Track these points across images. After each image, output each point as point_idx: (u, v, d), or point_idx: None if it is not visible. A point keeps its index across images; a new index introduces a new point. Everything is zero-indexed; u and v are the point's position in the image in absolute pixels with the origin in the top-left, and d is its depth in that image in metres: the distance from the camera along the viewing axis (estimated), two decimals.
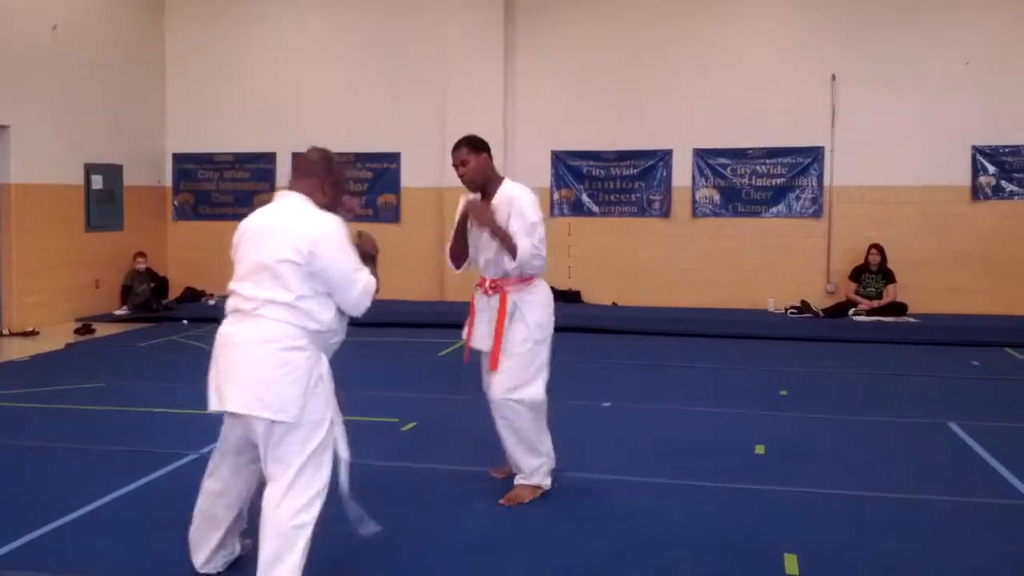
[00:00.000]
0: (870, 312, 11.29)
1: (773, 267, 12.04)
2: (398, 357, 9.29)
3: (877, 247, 11.52)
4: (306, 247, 3.40)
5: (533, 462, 4.69)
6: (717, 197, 12.33)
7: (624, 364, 8.78)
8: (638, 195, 12.58)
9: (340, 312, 3.59)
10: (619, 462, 5.45)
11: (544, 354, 4.73)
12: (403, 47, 12.84)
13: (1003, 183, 11.57)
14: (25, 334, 10.34)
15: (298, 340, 3.43)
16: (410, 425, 6.32)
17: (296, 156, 3.89)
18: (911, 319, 11.13)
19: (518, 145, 12.68)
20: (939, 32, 11.61)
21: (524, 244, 4.57)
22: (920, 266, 11.61)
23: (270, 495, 3.39)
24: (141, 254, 12.26)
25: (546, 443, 4.76)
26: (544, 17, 12.63)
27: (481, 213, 4.66)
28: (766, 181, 12.17)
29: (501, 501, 4.68)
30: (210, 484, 3.70)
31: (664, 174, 12.48)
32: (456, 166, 4.73)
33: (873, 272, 11.54)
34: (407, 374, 8.34)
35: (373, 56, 12.96)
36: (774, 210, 12.17)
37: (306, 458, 3.41)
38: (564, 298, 12.38)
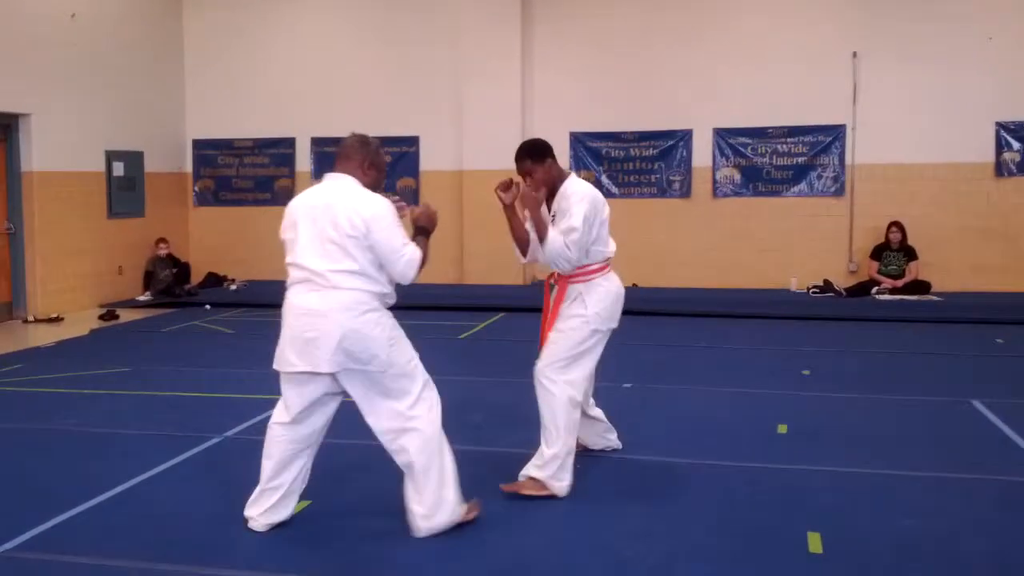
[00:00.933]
0: (893, 291, 11.21)
1: (795, 246, 11.97)
2: (418, 340, 9.21)
3: (897, 224, 11.42)
4: (362, 223, 3.86)
5: (547, 452, 4.58)
6: (738, 177, 12.25)
7: (645, 345, 8.76)
8: (658, 176, 12.52)
9: None
10: (641, 442, 5.44)
11: (592, 343, 4.61)
12: (420, 30, 12.82)
13: None
14: (50, 320, 10.45)
15: (370, 303, 3.95)
16: None
17: (339, 142, 4.18)
18: (934, 297, 11.05)
19: (536, 127, 12.61)
20: (960, 7, 11.46)
21: (552, 237, 4.55)
22: (943, 244, 11.51)
23: (389, 432, 4.04)
24: (163, 240, 12.34)
25: (565, 440, 4.54)
26: None
27: (528, 199, 4.65)
28: (787, 160, 12.08)
29: (503, 487, 4.59)
30: (285, 433, 4.12)
31: (684, 154, 12.42)
32: (522, 176, 4.71)
33: (894, 250, 11.45)
34: (426, 357, 8.29)
35: (391, 40, 12.94)
36: (795, 189, 12.09)
37: (415, 397, 4.10)
38: None
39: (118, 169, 12.16)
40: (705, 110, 12.24)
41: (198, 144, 13.63)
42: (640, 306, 10.77)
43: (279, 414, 4.15)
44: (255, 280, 12.89)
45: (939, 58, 11.48)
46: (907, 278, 11.32)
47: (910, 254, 11.42)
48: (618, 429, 5.28)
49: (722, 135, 12.30)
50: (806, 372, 7.48)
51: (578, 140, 12.66)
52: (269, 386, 6.86)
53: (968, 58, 11.42)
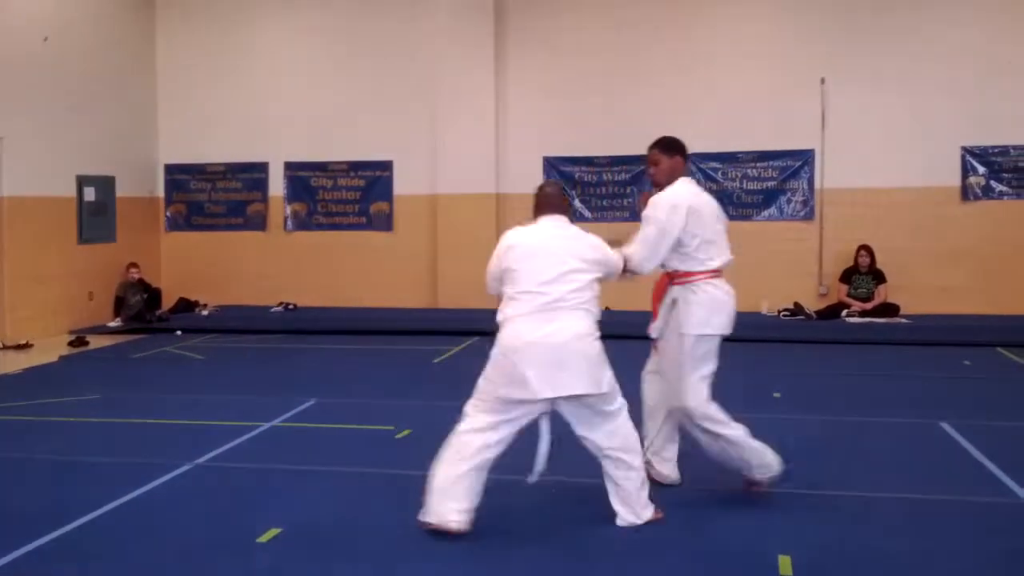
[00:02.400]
0: (862, 314, 11.33)
1: (765, 270, 12.05)
2: (393, 365, 9.30)
3: (866, 248, 11.56)
4: (590, 255, 4.43)
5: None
6: None
7: (617, 369, 8.77)
8: (630, 200, 12.60)
9: None
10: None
11: (699, 352, 4.70)
12: (394, 55, 12.87)
13: (992, 183, 11.62)
14: (19, 347, 10.33)
15: (594, 330, 4.39)
16: (404, 432, 6.33)
17: (538, 190, 4.73)
18: (903, 320, 11.17)
19: (510, 151, 12.71)
20: (926, 33, 11.66)
21: (631, 247, 4.73)
22: (912, 267, 11.65)
23: (604, 443, 4.44)
24: (134, 264, 12.26)
25: (725, 429, 4.71)
26: (534, 23, 12.66)
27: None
28: (757, 184, 12.21)
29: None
30: (479, 443, 4.36)
31: None
32: (648, 164, 4.94)
33: (863, 273, 11.58)
34: (401, 382, 8.36)
35: (364, 65, 12.98)
36: (765, 213, 12.21)
37: (619, 407, 4.47)
38: None
39: (89, 194, 12.09)
40: (677, 134, 12.26)
41: (170, 169, 13.57)
42: (613, 330, 10.81)
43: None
44: (227, 305, 12.83)
45: (905, 84, 11.66)
46: (876, 301, 11.45)
47: (879, 277, 11.56)
48: (582, 453, 5.27)
49: (693, 160, 12.38)
50: (777, 395, 7.53)
51: (551, 164, 12.73)
52: (240, 412, 6.88)
53: (934, 84, 11.60)
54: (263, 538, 4.33)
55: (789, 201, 12.14)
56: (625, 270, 4.71)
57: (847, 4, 11.90)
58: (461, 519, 4.26)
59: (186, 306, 12.75)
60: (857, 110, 11.76)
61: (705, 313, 4.70)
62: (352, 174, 13.18)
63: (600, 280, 4.49)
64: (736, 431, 4.71)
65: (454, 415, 6.83)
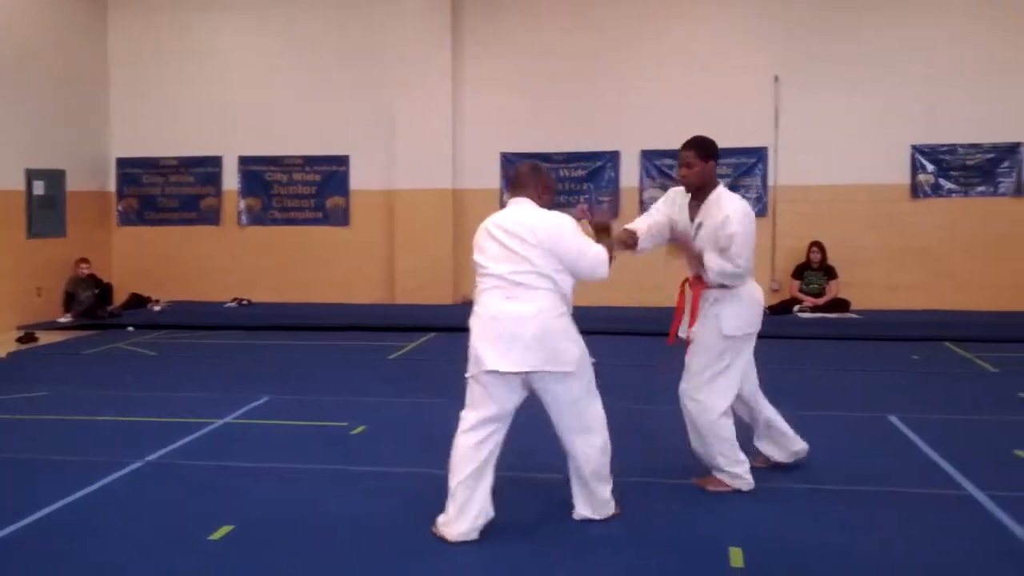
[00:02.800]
0: (814, 309, 11.49)
1: None
2: (348, 361, 9.25)
3: (818, 245, 11.74)
4: (546, 236, 4.25)
5: (713, 463, 4.86)
6: None
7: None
8: (587, 196, 12.65)
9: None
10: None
11: (731, 358, 4.82)
12: (350, 49, 12.80)
13: (941, 181, 11.85)
14: None
15: (557, 308, 4.28)
16: (359, 429, 6.31)
17: (513, 170, 4.64)
18: (854, 315, 11.35)
19: (467, 147, 12.70)
20: (877, 33, 11.85)
21: (714, 261, 4.73)
22: (863, 263, 11.84)
23: (569, 432, 4.36)
24: (84, 260, 12.05)
25: (728, 452, 4.82)
26: (492, 19, 12.66)
27: (686, 246, 4.91)
28: None
29: (695, 480, 4.94)
30: (469, 439, 4.29)
31: (612, 175, 12.59)
32: (680, 165, 4.94)
33: (815, 269, 11.75)
34: (357, 378, 8.32)
35: (320, 58, 12.89)
36: None
37: (587, 393, 4.36)
38: None
39: (39, 188, 11.86)
40: (632, 132, 12.43)
41: (122, 163, 13.36)
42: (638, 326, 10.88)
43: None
44: (180, 301, 12.67)
45: (857, 83, 11.84)
46: (827, 296, 11.62)
47: (830, 273, 11.73)
48: (533, 448, 5.30)
49: (649, 157, 12.50)
50: None
51: (509, 160, 12.73)
52: (192, 409, 6.81)
53: (884, 84, 11.80)
54: (215, 535, 4.29)
55: (743, 198, 12.20)
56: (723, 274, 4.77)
57: (801, 4, 12.06)
58: (459, 529, 4.24)
59: (138, 302, 12.56)
60: (809, 108, 11.92)
61: (746, 313, 4.85)
62: (308, 169, 13.09)
63: (568, 265, 4.30)
64: (726, 448, 4.87)
65: (409, 411, 6.87)
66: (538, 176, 4.53)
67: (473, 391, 4.34)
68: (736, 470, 4.86)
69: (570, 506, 4.51)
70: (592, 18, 12.44)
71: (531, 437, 4.87)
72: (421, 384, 7.91)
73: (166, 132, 13.18)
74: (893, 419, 6.51)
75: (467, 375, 4.34)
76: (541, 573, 3.97)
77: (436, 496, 4.51)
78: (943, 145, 11.82)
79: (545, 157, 12.65)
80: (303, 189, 13.11)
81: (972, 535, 4.35)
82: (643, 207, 12.46)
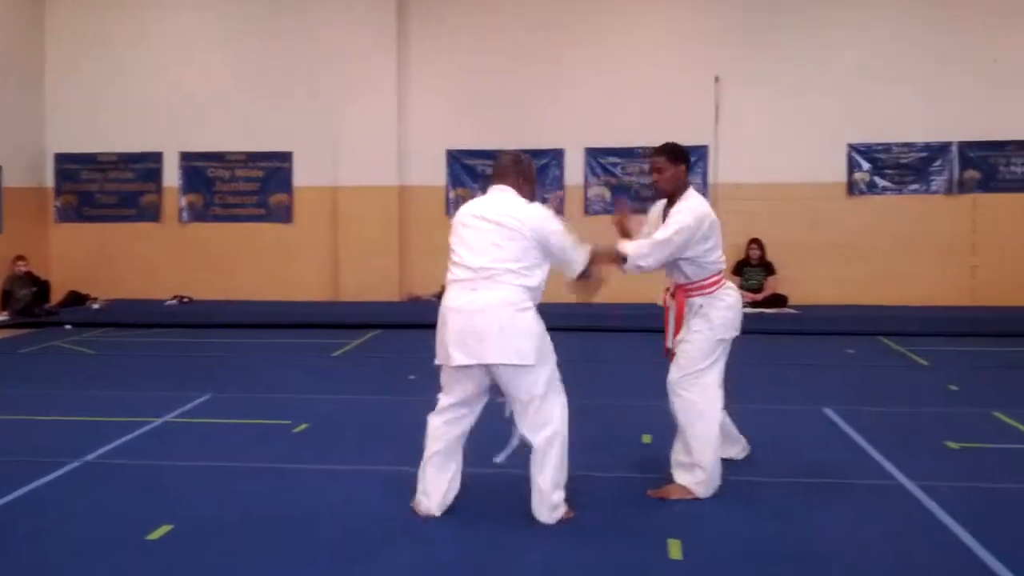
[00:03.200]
0: (752, 304, 11.68)
1: None
2: (291, 358, 9.20)
3: (756, 241, 11.96)
4: (534, 227, 4.30)
5: (695, 459, 4.76)
6: (608, 195, 12.57)
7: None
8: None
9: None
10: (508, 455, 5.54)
11: (718, 353, 4.89)
12: (294, 45, 12.69)
13: (876, 179, 12.15)
14: None
15: (523, 301, 4.29)
16: (302, 427, 6.28)
17: (494, 159, 4.70)
18: (791, 310, 11.58)
19: (412, 144, 12.68)
20: (815, 35, 12.10)
21: (634, 243, 4.78)
22: (801, 259, 12.07)
23: (528, 428, 4.37)
24: (21, 257, 11.81)
25: (707, 454, 4.74)
26: (438, 17, 12.65)
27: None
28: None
29: (650, 493, 4.82)
30: (440, 418, 4.47)
31: (557, 173, 12.66)
32: (653, 170, 4.99)
33: (754, 265, 11.97)
34: (300, 375, 8.28)
35: (262, 53, 12.77)
36: None
37: (548, 388, 4.37)
38: None
39: None
40: (576, 130, 12.52)
41: (60, 158, 13.10)
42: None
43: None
44: (119, 299, 12.46)
45: (796, 83, 12.08)
46: (765, 292, 11.84)
47: (768, 269, 11.96)
48: (488, 444, 5.33)
49: (593, 154, 12.61)
50: None
51: (454, 157, 12.75)
52: (131, 408, 6.72)
53: (821, 84, 12.06)
54: (153, 535, 4.26)
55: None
56: (623, 261, 4.79)
57: (741, 4, 12.25)
58: (428, 503, 4.44)
59: (76, 299, 12.33)
60: (749, 108, 12.12)
61: (733, 316, 4.94)
62: (250, 165, 12.96)
63: (546, 255, 4.36)
64: (716, 448, 4.84)
65: (352, 408, 6.86)
66: (520, 167, 4.55)
67: (443, 376, 4.47)
68: (715, 475, 4.80)
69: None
70: (537, 17, 12.51)
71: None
72: (364, 381, 7.90)
73: (105, 127, 12.96)
74: (828, 411, 6.66)
75: (435, 362, 4.43)
76: (468, 567, 4.01)
77: (380, 492, 4.54)
78: (878, 144, 12.11)
79: (491, 154, 12.69)
80: (246, 186, 12.98)
81: (901, 524, 4.48)
82: (588, 205, 12.59)
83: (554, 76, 12.50)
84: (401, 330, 10.50)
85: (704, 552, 4.11)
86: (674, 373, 4.94)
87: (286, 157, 12.90)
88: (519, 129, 12.54)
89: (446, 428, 4.45)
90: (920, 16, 12.04)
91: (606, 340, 10.15)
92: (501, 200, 4.42)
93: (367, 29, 12.43)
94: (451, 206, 12.67)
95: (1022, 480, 5.13)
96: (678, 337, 4.98)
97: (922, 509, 4.65)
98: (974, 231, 12.00)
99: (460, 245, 4.39)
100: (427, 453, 4.45)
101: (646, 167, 12.46)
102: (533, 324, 4.32)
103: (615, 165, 12.56)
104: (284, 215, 12.94)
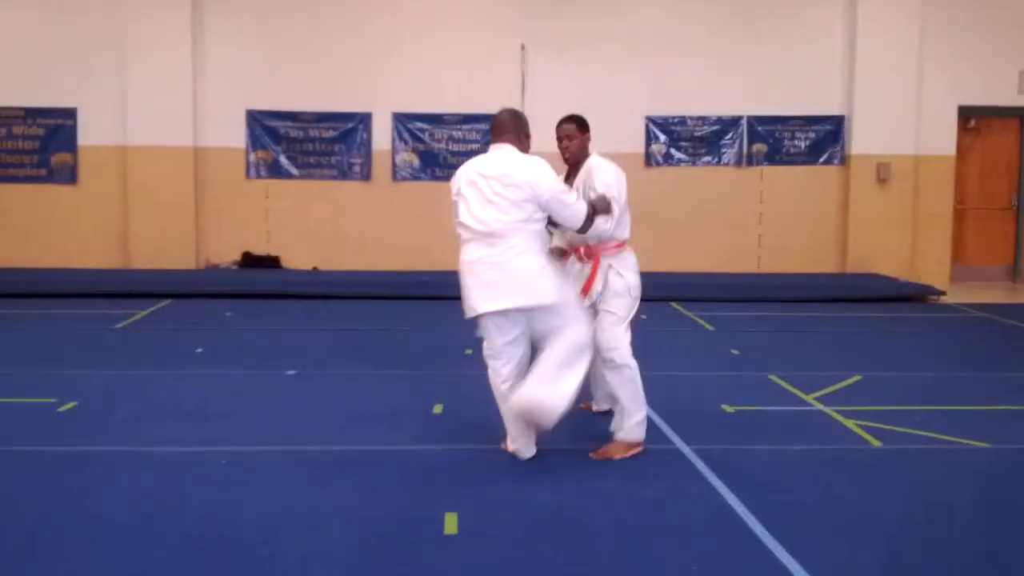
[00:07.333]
0: None
1: None
2: (68, 331, 8.59)
3: None
4: (526, 181, 4.65)
5: (633, 417, 5.03)
6: (416, 161, 12.44)
7: (319, 329, 8.70)
8: (338, 158, 12.43)
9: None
10: (302, 431, 5.39)
11: (634, 310, 5.12)
12: None
13: (672, 151, 12.58)
14: None
15: (533, 248, 4.70)
16: (69, 405, 5.87)
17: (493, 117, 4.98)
18: None
19: (210, 102, 12.09)
20: (616, 6, 12.31)
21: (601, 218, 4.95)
22: None
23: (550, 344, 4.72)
24: None
25: (642, 401, 5.07)
26: None
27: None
28: (462, 147, 12.42)
29: (592, 454, 5.00)
30: (497, 365, 4.88)
31: (364, 137, 12.41)
32: (560, 139, 5.25)
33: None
34: (75, 349, 7.75)
35: (44, 2, 11.81)
36: None
37: (573, 320, 4.73)
38: (261, 264, 12.02)
39: None
40: (384, 94, 12.29)
41: None
42: (319, 290, 10.72)
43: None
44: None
45: (597, 55, 12.27)
46: None
47: None
48: (275, 418, 5.18)
49: (401, 120, 12.43)
50: (469, 351, 7.71)
51: (255, 118, 12.25)
52: (18, 388, 6.10)
53: (621, 56, 12.30)
54: None
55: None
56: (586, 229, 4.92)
57: None
58: (519, 449, 4.88)
59: None
60: (553, 77, 12.20)
61: (635, 276, 5.17)
62: (29, 121, 12.01)
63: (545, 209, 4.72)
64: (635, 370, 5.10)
65: (126, 384, 6.46)
66: (519, 122, 4.91)
67: (481, 328, 4.83)
68: (642, 416, 5.08)
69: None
70: None
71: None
72: (145, 355, 7.49)
73: None
74: None
75: (466, 317, 4.80)
76: (239, 544, 3.86)
77: (148, 474, 4.29)
78: (674, 117, 12.52)
79: (294, 116, 12.30)
80: (24, 144, 12.03)
81: (672, 487, 4.62)
82: (395, 170, 12.43)
83: (361, 38, 12.19)
84: (195, 299, 10.04)
85: (482, 524, 4.06)
86: (605, 341, 5.03)
87: (70, 114, 12.01)
88: (325, 91, 12.22)
89: (505, 370, 4.82)
90: None
91: (410, 308, 10.06)
92: (502, 157, 4.75)
93: None
94: (252, 169, 12.19)
95: (787, 441, 5.41)
96: (596, 290, 5.09)
97: (691, 470, 4.83)
98: (761, 201, 12.65)
99: (467, 205, 4.69)
100: (497, 395, 4.87)
101: (455, 134, 12.43)
102: (548, 267, 4.75)
103: (423, 131, 12.43)
104: (67, 176, 12.07)
